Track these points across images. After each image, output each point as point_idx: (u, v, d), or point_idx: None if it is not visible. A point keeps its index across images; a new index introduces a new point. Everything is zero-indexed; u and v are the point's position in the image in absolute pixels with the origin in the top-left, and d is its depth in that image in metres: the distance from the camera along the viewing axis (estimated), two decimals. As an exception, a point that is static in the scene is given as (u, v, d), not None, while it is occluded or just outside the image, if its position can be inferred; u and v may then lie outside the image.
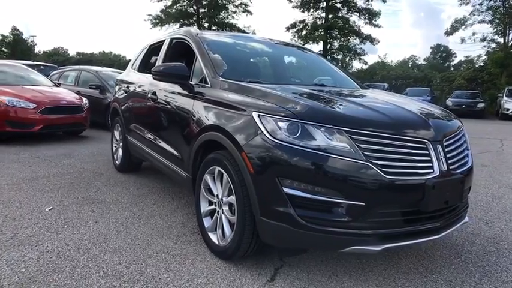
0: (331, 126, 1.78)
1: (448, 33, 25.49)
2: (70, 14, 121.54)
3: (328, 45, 28.86)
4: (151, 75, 3.00)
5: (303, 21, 28.83)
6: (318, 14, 28.79)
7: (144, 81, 3.58)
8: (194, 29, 3.22)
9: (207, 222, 2.33)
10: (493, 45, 24.28)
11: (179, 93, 2.77)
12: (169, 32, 4.29)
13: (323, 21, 28.11)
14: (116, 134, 4.36)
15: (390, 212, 1.80)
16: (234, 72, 2.65)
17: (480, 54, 27.73)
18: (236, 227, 2.01)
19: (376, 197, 1.75)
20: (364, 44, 28.65)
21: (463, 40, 24.95)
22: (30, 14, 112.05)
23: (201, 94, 2.50)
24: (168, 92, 2.96)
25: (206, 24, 30.31)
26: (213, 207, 2.29)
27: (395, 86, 26.66)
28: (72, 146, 5.82)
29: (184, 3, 30.09)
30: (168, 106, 2.95)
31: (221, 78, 2.46)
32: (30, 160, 4.66)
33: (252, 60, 3.29)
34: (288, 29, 29.38)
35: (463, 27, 24.18)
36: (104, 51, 63.34)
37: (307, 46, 24.59)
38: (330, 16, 28.17)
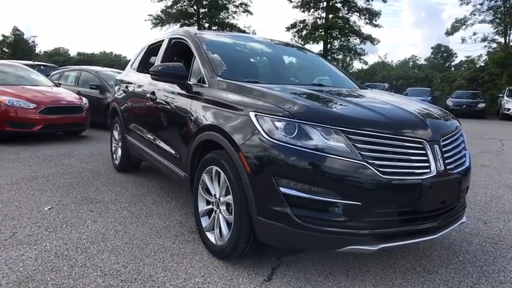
0: (328, 126, 1.79)
1: (449, 33, 25.46)
2: (71, 14, 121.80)
3: (329, 45, 28.83)
4: (150, 75, 3.01)
5: (303, 21, 28.82)
6: (318, 14, 28.79)
7: (143, 81, 3.59)
8: (193, 29, 3.23)
9: (205, 221, 2.33)
10: (494, 45, 24.25)
11: (177, 93, 2.78)
12: (168, 32, 4.29)
13: (323, 21, 28.09)
14: (115, 133, 4.37)
15: (387, 211, 1.81)
16: (232, 72, 2.65)
17: (481, 54, 27.69)
18: (233, 227, 2.02)
19: (372, 197, 1.75)
20: (364, 44, 28.63)
21: (463, 40, 24.94)
22: (31, 14, 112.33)
23: (199, 94, 2.51)
24: (166, 92, 2.97)
25: (206, 25, 30.30)
26: (210, 206, 2.30)
27: (395, 86, 26.60)
28: (72, 145, 5.83)
29: (185, 3, 30.10)
30: (167, 106, 2.95)
31: (219, 78, 2.47)
32: (30, 160, 4.67)
33: (250, 60, 3.29)
34: (288, 29, 29.38)
35: (464, 27, 24.16)
36: (104, 52, 63.45)
37: (307, 46, 24.57)
38: (331, 16, 28.14)
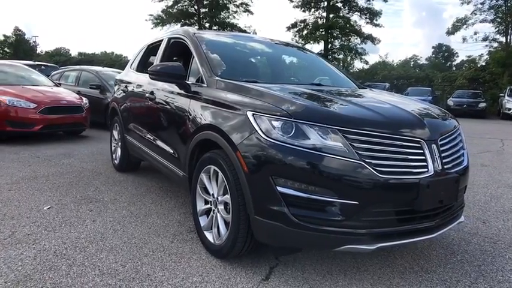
0: (325, 125, 1.79)
1: (450, 32, 25.36)
2: (72, 14, 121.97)
3: (329, 45, 28.78)
4: (148, 74, 3.01)
5: (304, 21, 28.77)
6: (319, 13, 28.73)
7: (142, 81, 3.60)
8: (191, 29, 3.24)
9: (203, 221, 2.34)
10: (495, 44, 24.17)
11: (176, 93, 2.78)
12: (168, 31, 4.30)
13: (324, 21, 28.04)
14: (115, 133, 4.38)
15: (384, 211, 1.81)
16: (231, 72, 2.66)
17: (482, 54, 27.62)
18: (231, 226, 2.02)
19: (370, 196, 1.75)
20: (365, 44, 28.55)
21: (464, 39, 24.83)
22: (32, 15, 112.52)
23: (198, 93, 2.51)
24: (165, 91, 2.97)
25: (207, 24, 30.30)
26: (208, 206, 2.30)
27: (396, 86, 26.55)
28: (72, 145, 5.84)
29: (185, 3, 30.09)
30: (165, 105, 2.96)
31: (217, 78, 2.47)
32: (30, 159, 4.68)
33: (249, 59, 3.29)
34: (289, 28, 29.32)
35: (465, 26, 24.05)
36: (105, 52, 63.47)
37: (308, 46, 24.58)
38: (331, 16, 28.09)
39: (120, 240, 2.40)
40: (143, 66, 4.05)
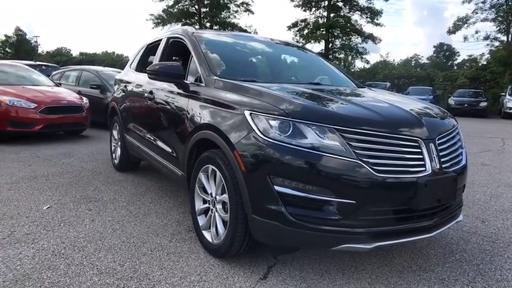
0: (322, 124, 1.79)
1: (451, 31, 25.27)
2: (73, 14, 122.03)
3: (330, 45, 28.77)
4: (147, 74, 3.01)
5: (304, 20, 28.76)
6: (319, 13, 28.72)
7: (141, 81, 3.60)
8: (190, 28, 3.23)
9: (201, 220, 2.34)
10: (496, 43, 24.09)
11: (174, 92, 2.79)
12: (167, 31, 4.30)
13: (325, 20, 28.02)
14: (115, 133, 4.38)
15: (382, 210, 1.81)
16: (229, 71, 2.66)
17: (483, 53, 27.54)
18: (229, 225, 2.02)
19: (367, 195, 1.75)
20: (366, 43, 28.55)
21: (465, 38, 24.76)
22: (33, 15, 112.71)
23: (196, 93, 2.51)
24: (164, 91, 2.98)
25: (208, 24, 30.31)
26: (207, 205, 2.31)
27: (397, 85, 26.51)
28: (72, 145, 5.85)
29: (186, 2, 30.11)
30: (164, 105, 2.96)
31: (215, 77, 2.47)
32: (30, 159, 4.70)
33: (247, 59, 3.29)
34: (289, 28, 29.32)
35: (466, 25, 23.95)
36: (106, 51, 63.53)
37: (309, 45, 24.53)
38: (332, 15, 28.07)
39: (118, 239, 2.41)
40: (142, 65, 4.05)
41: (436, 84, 25.26)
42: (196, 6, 30.09)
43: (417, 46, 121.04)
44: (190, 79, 2.75)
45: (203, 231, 2.30)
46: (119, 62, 40.28)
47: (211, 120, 2.23)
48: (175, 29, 3.62)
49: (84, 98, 6.79)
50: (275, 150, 1.79)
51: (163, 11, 30.01)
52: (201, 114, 2.36)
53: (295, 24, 29.07)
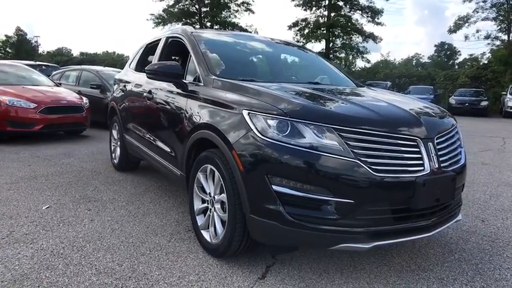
0: (320, 124, 1.78)
1: (452, 30, 25.23)
2: (74, 14, 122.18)
3: (331, 44, 28.73)
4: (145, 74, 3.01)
5: (305, 20, 28.72)
6: (320, 12, 28.69)
7: (140, 80, 3.60)
8: (189, 28, 3.23)
9: (200, 220, 2.34)
10: (497, 42, 24.02)
11: (173, 92, 2.79)
12: (166, 30, 4.30)
13: (325, 20, 27.98)
14: (114, 133, 4.38)
15: (380, 209, 1.80)
16: (228, 71, 2.66)
17: (484, 52, 27.49)
18: (227, 225, 2.02)
19: (365, 195, 1.75)
20: (367, 43, 28.51)
21: (466, 37, 24.72)
22: (34, 15, 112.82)
23: (194, 92, 2.51)
24: (163, 90, 2.97)
25: (208, 24, 30.30)
26: (205, 205, 2.30)
27: (398, 85, 26.50)
28: (72, 145, 5.85)
29: (187, 2, 30.10)
30: (163, 105, 2.96)
31: (214, 77, 2.47)
32: (30, 159, 4.70)
33: (247, 58, 3.28)
34: (290, 27, 29.29)
35: (467, 24, 23.92)
36: (107, 51, 63.66)
37: (309, 45, 24.49)
38: (333, 14, 28.03)
39: (117, 239, 2.41)
40: (142, 65, 4.05)
41: (437, 83, 25.24)
42: (197, 6, 30.09)
43: (418, 45, 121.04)
44: (189, 79, 2.75)
45: (202, 231, 2.30)
46: (119, 62, 40.30)
47: (210, 120, 2.23)
48: (174, 29, 3.62)
49: (84, 98, 6.79)
50: (273, 149, 1.78)
51: (164, 10, 30.03)
52: (200, 113, 2.36)
53: (295, 24, 29.04)
